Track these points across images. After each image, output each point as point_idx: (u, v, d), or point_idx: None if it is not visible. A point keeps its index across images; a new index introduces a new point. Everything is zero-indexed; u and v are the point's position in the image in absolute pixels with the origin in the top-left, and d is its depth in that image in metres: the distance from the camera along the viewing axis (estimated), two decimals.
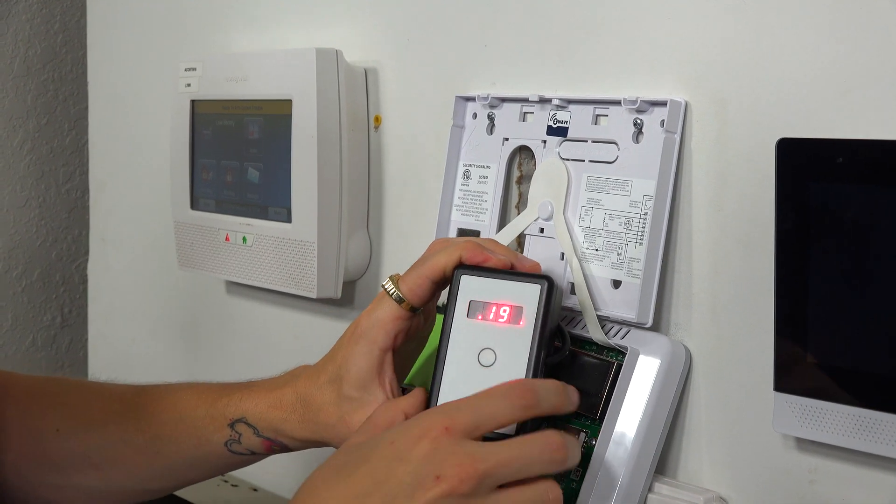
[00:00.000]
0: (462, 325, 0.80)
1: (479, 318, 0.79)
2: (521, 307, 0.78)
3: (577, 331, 0.87)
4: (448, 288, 0.81)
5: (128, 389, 0.96)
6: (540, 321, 0.77)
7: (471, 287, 0.79)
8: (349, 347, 0.83)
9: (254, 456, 0.91)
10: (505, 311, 0.78)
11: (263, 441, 0.89)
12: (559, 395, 0.73)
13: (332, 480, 0.70)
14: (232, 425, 0.89)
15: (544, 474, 0.70)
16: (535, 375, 0.77)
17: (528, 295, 0.78)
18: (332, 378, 0.84)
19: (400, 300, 0.82)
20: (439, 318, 0.82)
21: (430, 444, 0.68)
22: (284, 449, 0.89)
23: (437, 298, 0.85)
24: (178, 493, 1.23)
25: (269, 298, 1.25)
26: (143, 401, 0.93)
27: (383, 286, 0.83)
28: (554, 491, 0.70)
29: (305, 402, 0.86)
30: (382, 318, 0.82)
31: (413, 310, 0.82)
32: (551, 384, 0.73)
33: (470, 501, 0.67)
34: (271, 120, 1.12)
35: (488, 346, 0.78)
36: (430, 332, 0.89)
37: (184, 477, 0.95)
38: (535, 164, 0.92)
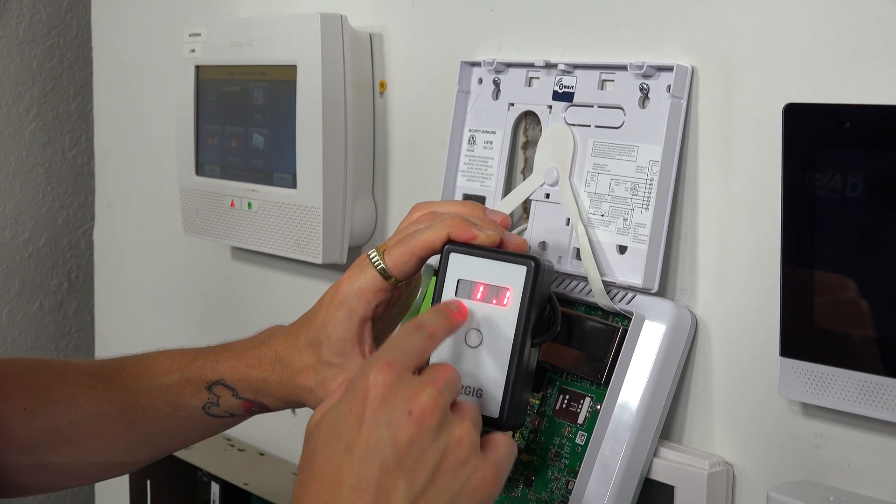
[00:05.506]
0: None
1: (467, 297, 0.78)
2: (508, 288, 0.77)
3: (583, 296, 0.87)
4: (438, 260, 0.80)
5: (92, 363, 0.94)
6: (525, 303, 0.76)
7: (459, 266, 0.79)
8: (329, 312, 0.82)
9: (233, 418, 0.89)
10: (492, 291, 0.78)
11: (243, 403, 0.87)
12: (441, 316, 0.74)
13: (317, 479, 0.70)
14: (209, 388, 0.87)
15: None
16: (519, 358, 0.76)
17: (515, 276, 0.77)
18: (312, 341, 0.83)
19: (384, 272, 0.81)
20: (432, 280, 0.82)
21: (381, 389, 0.67)
22: (264, 409, 0.88)
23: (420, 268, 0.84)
24: (185, 456, 1.24)
25: (274, 264, 1.25)
26: (110, 372, 0.91)
27: (368, 256, 0.81)
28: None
29: (283, 361, 0.85)
30: (364, 288, 0.81)
31: (396, 283, 0.81)
32: (431, 313, 0.75)
33: (443, 427, 0.67)
34: (276, 85, 1.12)
35: (475, 327, 0.77)
36: (412, 299, 0.89)
37: (160, 446, 0.93)
38: (540, 130, 0.92)
